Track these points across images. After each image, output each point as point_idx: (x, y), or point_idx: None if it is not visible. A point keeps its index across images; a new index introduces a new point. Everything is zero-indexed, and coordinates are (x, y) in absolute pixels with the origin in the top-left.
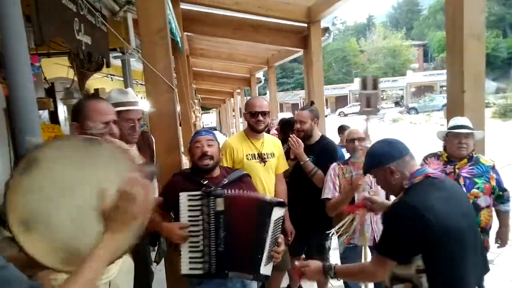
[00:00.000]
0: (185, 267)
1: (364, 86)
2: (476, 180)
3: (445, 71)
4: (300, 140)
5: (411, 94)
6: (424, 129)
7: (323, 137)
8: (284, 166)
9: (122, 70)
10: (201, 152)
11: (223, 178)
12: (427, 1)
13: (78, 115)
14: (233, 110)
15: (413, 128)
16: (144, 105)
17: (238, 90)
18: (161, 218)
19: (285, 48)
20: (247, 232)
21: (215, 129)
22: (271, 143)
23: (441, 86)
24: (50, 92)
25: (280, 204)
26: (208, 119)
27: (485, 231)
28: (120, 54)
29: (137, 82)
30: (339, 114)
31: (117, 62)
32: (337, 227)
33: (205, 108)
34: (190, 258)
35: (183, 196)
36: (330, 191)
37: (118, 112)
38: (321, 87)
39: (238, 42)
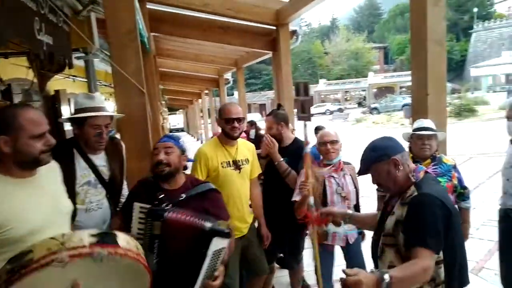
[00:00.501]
0: None
1: (297, 92)
2: (440, 179)
3: (404, 73)
4: (274, 140)
5: (373, 95)
6: (386, 128)
7: (296, 140)
8: (258, 170)
9: (85, 71)
10: (156, 160)
11: (184, 191)
12: (387, 5)
13: (7, 127)
14: (201, 111)
15: (376, 128)
16: (110, 109)
17: (206, 91)
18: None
19: (254, 50)
20: (181, 260)
21: (183, 130)
22: (245, 148)
23: (401, 87)
24: (7, 94)
25: (222, 235)
26: (175, 120)
27: None
28: (83, 54)
29: (100, 83)
30: None
31: (79, 62)
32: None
33: (172, 109)
34: None
35: (136, 207)
36: (299, 194)
37: (85, 118)
38: (290, 89)
39: (206, 43)
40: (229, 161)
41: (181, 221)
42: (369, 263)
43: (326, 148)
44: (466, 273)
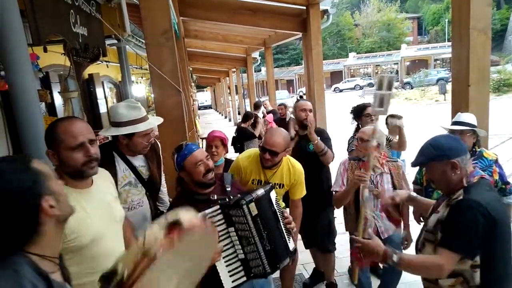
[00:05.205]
0: (227, 283)
1: (380, 86)
2: None
3: (439, 44)
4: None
5: (405, 69)
6: (419, 105)
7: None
8: (301, 193)
9: (118, 57)
10: (205, 168)
11: (220, 186)
12: None
13: (51, 141)
14: (229, 88)
15: (408, 104)
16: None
17: (234, 69)
18: None
19: (283, 31)
20: (272, 223)
21: (210, 108)
22: (284, 173)
23: (435, 60)
24: (45, 81)
25: (271, 189)
26: (203, 97)
27: None
28: (116, 41)
29: (132, 66)
30: (334, 90)
31: (112, 46)
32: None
33: (199, 86)
34: (229, 271)
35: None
36: (338, 185)
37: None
38: (320, 71)
39: (234, 24)
40: (260, 181)
41: (260, 196)
42: None
43: (359, 144)
44: (509, 284)
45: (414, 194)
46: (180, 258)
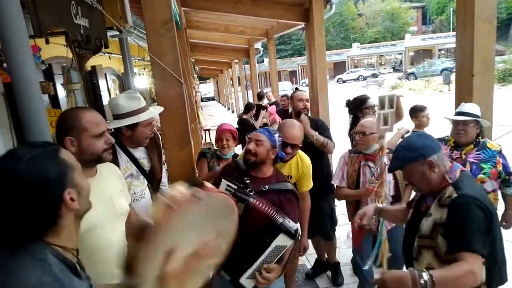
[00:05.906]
0: None
1: (382, 105)
2: (483, 165)
3: (444, 34)
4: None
5: (409, 59)
6: (423, 95)
7: (311, 117)
8: (308, 185)
9: (120, 48)
10: (246, 148)
11: (269, 182)
12: None
13: (71, 128)
14: (231, 79)
15: (412, 95)
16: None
17: (236, 60)
18: None
19: (285, 21)
20: (248, 242)
21: (213, 99)
22: (294, 165)
23: (440, 50)
24: (48, 74)
25: (288, 234)
26: (206, 89)
27: None
28: (117, 32)
29: (134, 57)
30: (337, 81)
31: (114, 38)
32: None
33: (202, 78)
34: None
35: (223, 183)
36: (338, 179)
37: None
38: (323, 62)
39: (236, 14)
40: None
41: (261, 209)
42: None
43: (364, 137)
44: (504, 271)
45: (381, 205)
46: (202, 218)
